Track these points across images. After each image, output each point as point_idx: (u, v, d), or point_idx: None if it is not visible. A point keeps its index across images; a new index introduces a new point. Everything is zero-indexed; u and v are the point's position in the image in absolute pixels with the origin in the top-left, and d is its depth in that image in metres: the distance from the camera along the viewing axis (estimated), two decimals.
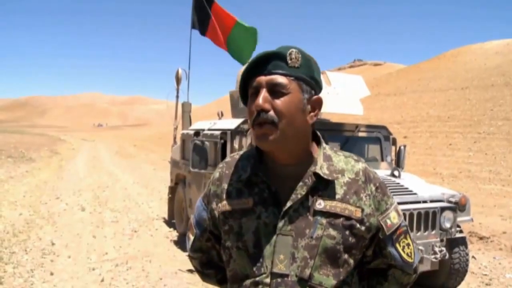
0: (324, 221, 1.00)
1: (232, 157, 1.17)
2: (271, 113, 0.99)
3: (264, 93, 1.00)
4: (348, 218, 1.01)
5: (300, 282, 0.98)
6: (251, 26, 7.41)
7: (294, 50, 1.01)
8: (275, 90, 0.99)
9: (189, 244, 1.25)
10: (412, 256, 1.11)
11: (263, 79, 1.00)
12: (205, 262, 1.25)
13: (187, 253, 5.27)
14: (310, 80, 1.03)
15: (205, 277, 1.27)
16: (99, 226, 6.62)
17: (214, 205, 1.13)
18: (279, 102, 0.99)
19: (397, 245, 1.08)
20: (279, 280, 0.98)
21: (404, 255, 1.08)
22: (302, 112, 1.02)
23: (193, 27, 8.27)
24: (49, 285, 4.13)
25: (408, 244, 1.10)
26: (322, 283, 0.99)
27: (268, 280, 0.99)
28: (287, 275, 0.98)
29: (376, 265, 1.12)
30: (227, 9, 7.56)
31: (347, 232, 1.00)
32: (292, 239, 1.00)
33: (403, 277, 1.11)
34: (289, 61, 1.00)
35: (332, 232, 0.99)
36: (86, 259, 4.99)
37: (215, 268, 1.23)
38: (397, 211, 1.10)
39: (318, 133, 1.13)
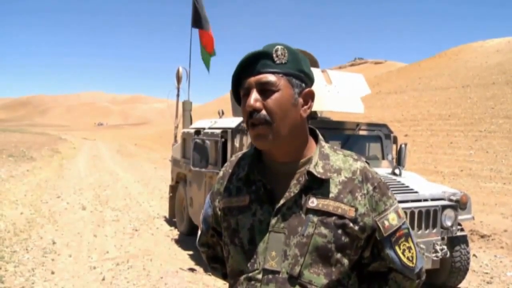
0: (315, 219, 1.00)
1: (237, 156, 1.20)
2: (263, 112, 0.99)
3: (254, 93, 1.00)
4: (341, 217, 1.00)
5: (290, 280, 0.99)
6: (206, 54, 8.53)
7: (279, 46, 1.02)
8: (265, 89, 1.00)
9: (197, 238, 1.32)
10: (414, 261, 1.07)
11: (252, 79, 1.01)
12: (211, 257, 1.31)
13: (187, 252, 5.26)
14: (299, 74, 1.03)
15: (212, 270, 1.33)
16: (100, 225, 6.63)
17: (216, 203, 1.17)
18: (270, 100, 1.00)
19: (397, 247, 1.05)
20: (270, 276, 0.99)
21: (404, 259, 1.05)
22: (294, 107, 1.02)
23: (193, 25, 8.29)
24: (50, 284, 4.13)
25: (409, 248, 1.07)
26: (312, 282, 0.99)
27: (260, 276, 1.01)
28: (278, 272, 0.99)
29: (375, 268, 1.09)
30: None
31: (339, 231, 1.00)
32: (284, 236, 1.01)
33: (404, 282, 1.08)
34: (276, 58, 1.00)
35: (323, 230, 0.99)
36: (87, 258, 5.00)
37: (221, 263, 1.26)
38: (397, 212, 1.07)
39: (317, 131, 1.13)
